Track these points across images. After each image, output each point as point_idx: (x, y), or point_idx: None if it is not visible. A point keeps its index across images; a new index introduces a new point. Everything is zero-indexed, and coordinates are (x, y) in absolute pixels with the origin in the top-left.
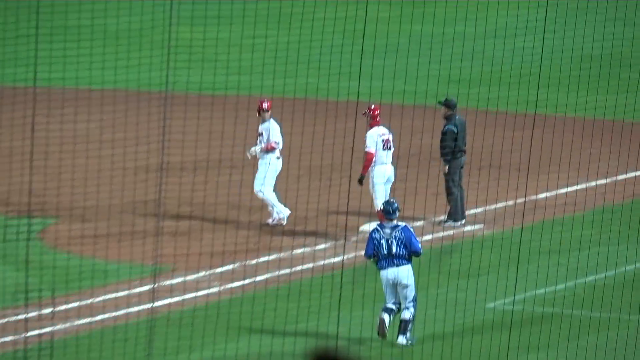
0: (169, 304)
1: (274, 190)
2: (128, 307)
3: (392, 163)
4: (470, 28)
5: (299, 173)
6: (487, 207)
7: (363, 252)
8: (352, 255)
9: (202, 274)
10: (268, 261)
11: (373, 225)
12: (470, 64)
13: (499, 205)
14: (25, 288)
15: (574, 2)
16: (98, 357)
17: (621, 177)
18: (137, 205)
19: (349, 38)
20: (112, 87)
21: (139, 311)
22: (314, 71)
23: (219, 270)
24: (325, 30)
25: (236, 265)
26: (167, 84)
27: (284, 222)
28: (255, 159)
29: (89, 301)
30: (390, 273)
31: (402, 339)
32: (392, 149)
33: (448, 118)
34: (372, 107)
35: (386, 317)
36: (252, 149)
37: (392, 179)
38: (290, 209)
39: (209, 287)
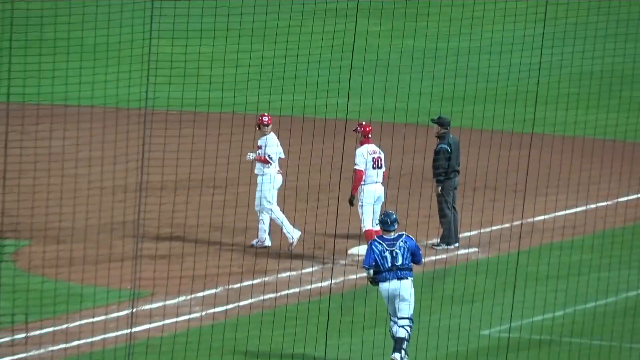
0: (148, 330)
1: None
2: (105, 332)
3: (383, 183)
4: (465, 43)
5: (285, 194)
6: (482, 230)
7: (353, 276)
8: (340, 279)
9: (183, 298)
10: (252, 285)
11: (363, 248)
12: (465, 81)
13: (495, 228)
14: None
15: (572, 17)
16: None
17: (622, 199)
18: (115, 227)
19: (337, 53)
20: (89, 103)
21: (116, 337)
22: (300, 87)
23: (200, 294)
24: (313, 45)
25: (219, 289)
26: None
27: (294, 243)
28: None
29: (64, 326)
30: (392, 285)
31: (397, 356)
32: (383, 169)
33: (441, 137)
34: (364, 123)
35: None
36: (249, 154)
37: (382, 199)
38: (278, 231)
39: (190, 312)
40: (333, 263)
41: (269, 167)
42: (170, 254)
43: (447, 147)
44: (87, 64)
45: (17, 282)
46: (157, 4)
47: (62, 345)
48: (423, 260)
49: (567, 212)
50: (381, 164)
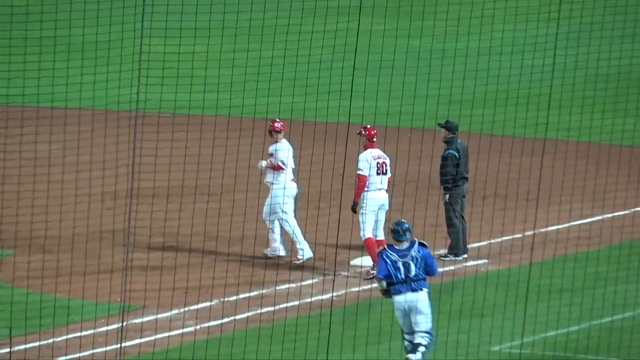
0: (139, 345)
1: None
2: (94, 348)
3: (387, 190)
4: (474, 43)
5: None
6: (492, 241)
7: (355, 288)
8: (342, 292)
9: (175, 311)
10: (249, 298)
11: (366, 259)
12: (474, 83)
13: (505, 238)
14: None
15: (588, 17)
16: None
17: None
18: (104, 236)
19: (339, 53)
20: (77, 105)
21: (105, 352)
22: (300, 90)
23: (194, 307)
24: (313, 45)
25: (214, 302)
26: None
27: (303, 259)
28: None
29: (50, 341)
30: (407, 298)
31: (413, 357)
32: (389, 175)
33: (449, 142)
34: (368, 126)
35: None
36: (260, 162)
37: (387, 207)
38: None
39: (183, 327)
40: (334, 275)
41: (281, 175)
42: (162, 264)
43: (455, 152)
44: (74, 64)
45: (1, 295)
46: (148, 1)
47: None
48: (439, 270)
49: (582, 222)
50: (386, 170)
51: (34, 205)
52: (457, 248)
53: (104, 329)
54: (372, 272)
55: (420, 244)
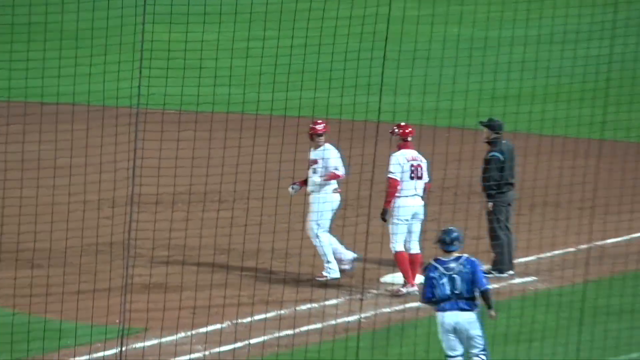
0: None
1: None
2: None
3: (424, 197)
4: (520, 31)
5: (305, 210)
6: (542, 255)
7: (386, 309)
8: (370, 313)
9: (182, 335)
10: (265, 320)
11: (398, 276)
12: (520, 76)
13: (557, 252)
14: None
15: None
16: None
17: None
18: (101, 249)
19: (367, 42)
20: (70, 100)
21: None
22: (323, 83)
23: (203, 330)
24: (338, 33)
25: (225, 324)
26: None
27: (327, 277)
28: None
29: None
30: (452, 318)
31: None
32: (425, 180)
33: (492, 143)
34: (403, 124)
35: None
36: (292, 187)
37: (421, 216)
38: (295, 254)
39: (190, 352)
40: (362, 293)
41: (328, 184)
42: (166, 281)
43: (499, 155)
44: (67, 54)
45: None
46: None
47: None
48: (488, 286)
49: None
50: (421, 174)
51: (21, 213)
52: (501, 263)
53: (101, 354)
54: (401, 290)
55: (469, 259)
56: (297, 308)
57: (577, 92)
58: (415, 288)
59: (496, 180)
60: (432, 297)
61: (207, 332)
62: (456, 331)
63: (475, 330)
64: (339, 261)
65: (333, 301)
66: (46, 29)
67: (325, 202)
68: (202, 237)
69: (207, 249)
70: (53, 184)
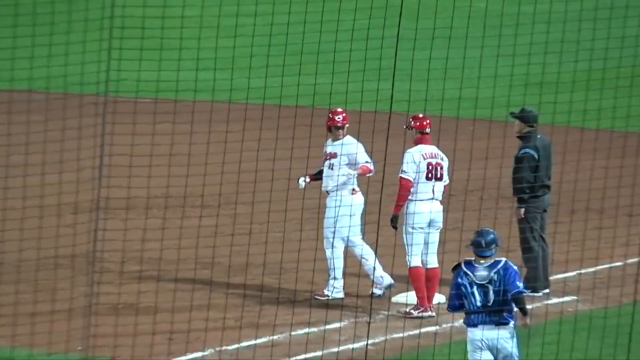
0: None
1: (361, 237)
2: None
3: (442, 202)
4: (559, 5)
5: (302, 216)
6: (583, 271)
7: (398, 335)
8: (380, 339)
9: None
10: (255, 347)
11: (411, 295)
12: (559, 59)
13: (601, 267)
14: None
15: None
16: None
17: None
18: (61, 262)
19: (378, 19)
20: (27, 87)
21: None
22: (326, 67)
23: (182, 359)
24: (343, 7)
25: (207, 351)
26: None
27: (329, 296)
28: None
29: None
30: (484, 334)
31: None
32: (444, 181)
33: (525, 138)
34: (420, 116)
35: None
36: (302, 179)
37: (440, 224)
38: (292, 269)
39: None
40: (370, 316)
41: (347, 184)
42: (138, 301)
43: (533, 152)
44: (23, 32)
45: None
46: None
47: None
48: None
49: None
50: (441, 174)
51: None
52: (535, 280)
53: None
54: (413, 313)
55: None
56: (293, 333)
57: (626, 77)
58: (431, 313)
59: (529, 182)
60: (459, 306)
61: None
62: (488, 349)
63: (511, 348)
64: (374, 284)
65: (335, 325)
66: None
67: (343, 205)
68: (180, 248)
69: (187, 263)
70: (4, 185)
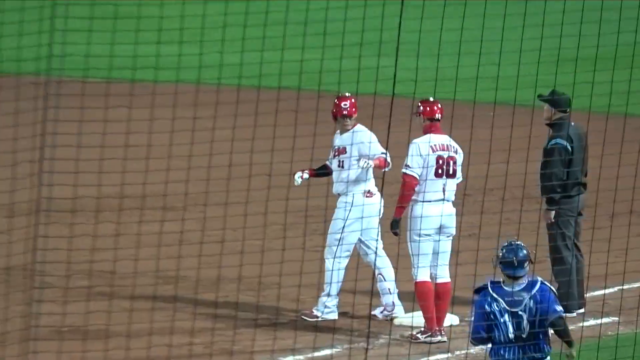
0: None
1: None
2: None
3: (455, 204)
4: None
5: (286, 220)
6: (626, 287)
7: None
8: None
9: None
10: None
11: (417, 316)
12: (597, 31)
13: None
14: None
15: None
16: None
17: None
18: None
19: None
20: None
21: None
22: (315, 41)
23: None
24: None
25: None
26: (49, 60)
27: (320, 317)
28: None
29: None
30: None
31: None
32: (457, 179)
33: (555, 126)
34: (431, 99)
35: None
36: (298, 174)
37: (453, 230)
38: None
39: None
40: (368, 341)
41: (359, 183)
42: (87, 324)
43: (564, 143)
44: None
45: None
46: None
47: None
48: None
49: None
50: (454, 170)
51: None
52: (568, 297)
53: None
54: (420, 337)
55: (543, 285)
56: None
57: None
58: (442, 337)
59: (561, 179)
60: (486, 339)
61: None
62: None
63: None
64: (385, 305)
65: (326, 352)
66: None
67: (354, 206)
68: (138, 259)
69: (146, 277)
70: None
